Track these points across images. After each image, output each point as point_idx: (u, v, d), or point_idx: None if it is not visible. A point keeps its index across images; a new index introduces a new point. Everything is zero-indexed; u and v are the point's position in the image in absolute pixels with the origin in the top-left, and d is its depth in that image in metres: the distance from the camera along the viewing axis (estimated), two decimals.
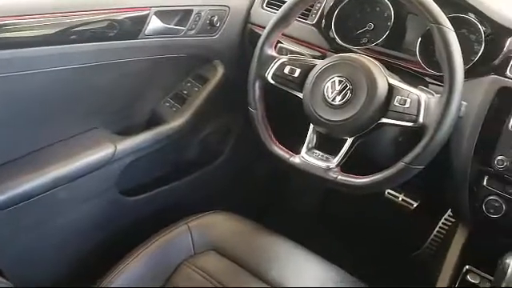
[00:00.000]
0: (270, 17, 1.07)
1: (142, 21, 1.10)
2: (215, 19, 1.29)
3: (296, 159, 1.01)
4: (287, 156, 1.02)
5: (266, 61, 1.05)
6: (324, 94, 0.96)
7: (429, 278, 1.14)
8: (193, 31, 1.25)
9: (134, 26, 1.10)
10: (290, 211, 1.78)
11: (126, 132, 1.28)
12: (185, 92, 1.39)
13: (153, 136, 1.27)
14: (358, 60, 0.96)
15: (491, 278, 0.96)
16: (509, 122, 0.95)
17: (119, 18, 1.06)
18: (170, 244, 1.10)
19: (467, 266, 1.07)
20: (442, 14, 0.88)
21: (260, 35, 1.06)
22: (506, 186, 0.97)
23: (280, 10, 1.04)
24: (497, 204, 0.98)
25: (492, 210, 0.98)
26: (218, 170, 1.56)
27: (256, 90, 1.06)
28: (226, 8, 1.32)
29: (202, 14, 1.25)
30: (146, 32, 1.12)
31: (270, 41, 1.05)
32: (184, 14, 1.22)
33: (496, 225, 0.99)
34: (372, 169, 0.94)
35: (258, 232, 1.15)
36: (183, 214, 1.18)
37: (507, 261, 0.89)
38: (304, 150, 1.01)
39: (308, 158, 1.00)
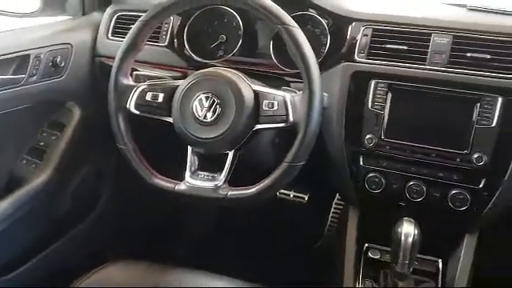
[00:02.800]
0: (118, 46, 1.00)
1: None
2: (58, 59, 1.19)
3: (181, 186, 0.97)
4: (171, 185, 0.97)
5: (124, 91, 0.98)
6: (194, 114, 0.93)
7: (335, 264, 1.17)
8: (35, 77, 1.14)
9: None
10: (187, 237, 1.72)
11: None
12: (42, 144, 1.26)
13: (15, 201, 1.12)
14: (220, 73, 0.95)
15: (389, 249, 1.02)
16: (368, 102, 1.01)
17: None
18: None
19: (366, 244, 1.13)
20: (286, 14, 0.91)
21: (111, 67, 1.00)
22: (380, 160, 1.04)
23: (127, 37, 0.99)
24: (376, 179, 1.04)
25: (374, 186, 1.04)
26: (99, 218, 1.44)
27: (120, 124, 0.99)
28: (68, 46, 1.23)
29: (42, 56, 1.14)
30: None
31: (123, 70, 0.99)
32: (21, 61, 1.11)
33: (381, 199, 1.05)
34: (260, 176, 0.94)
35: (157, 274, 1.07)
36: (73, 276, 1.05)
37: (399, 229, 0.95)
38: (188, 174, 0.97)
39: (193, 181, 0.96)
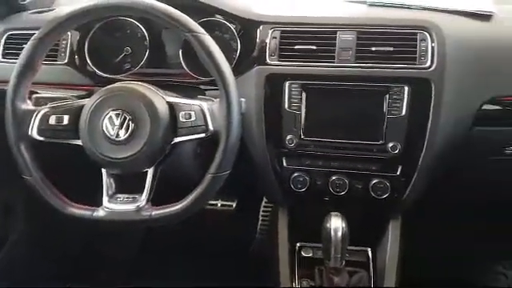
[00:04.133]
0: (12, 68, 0.91)
1: None
2: None
3: (99, 212, 0.90)
4: (88, 212, 0.90)
5: (24, 118, 0.90)
6: (105, 133, 0.87)
7: (270, 268, 1.17)
8: None
9: None
10: (110, 261, 1.62)
11: None
12: None
13: None
14: (129, 87, 0.90)
15: (321, 245, 1.03)
16: (284, 103, 1.02)
17: None
18: None
19: (298, 244, 1.14)
20: (192, 21, 0.88)
21: (5, 91, 0.90)
22: (303, 159, 1.05)
23: (20, 57, 0.90)
24: (301, 178, 1.05)
25: (299, 185, 1.05)
26: (12, 259, 1.31)
27: (23, 153, 0.90)
28: None
29: None
30: None
31: (20, 94, 0.90)
32: None
33: (307, 197, 1.06)
34: (185, 190, 0.90)
35: None
36: None
37: (327, 225, 0.96)
38: (105, 199, 0.91)
39: (112, 205, 0.90)
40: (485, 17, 1.07)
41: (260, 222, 1.48)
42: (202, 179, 0.88)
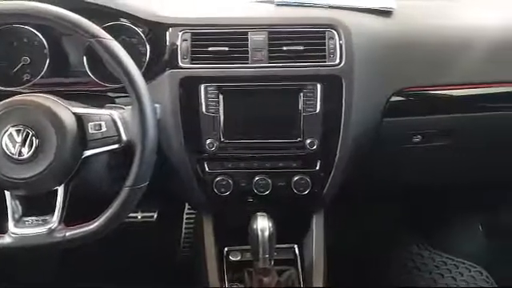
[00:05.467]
0: None
1: None
2: None
3: (6, 239, 0.82)
4: None
5: None
6: (5, 152, 0.80)
7: (198, 275, 1.14)
8: None
9: None
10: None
11: None
12: None
13: None
14: (29, 100, 0.83)
15: (249, 247, 1.02)
16: (201, 107, 0.99)
17: None
18: None
19: (226, 248, 1.12)
20: (96, 26, 0.83)
21: None
22: (225, 162, 1.03)
23: None
24: (224, 182, 1.03)
25: (223, 189, 1.03)
26: None
27: None
28: None
29: None
30: None
31: None
32: None
33: (232, 200, 1.05)
34: (102, 205, 0.85)
35: None
36: None
37: (254, 226, 0.96)
38: (11, 223, 0.83)
39: (20, 230, 0.83)
40: (386, 13, 1.13)
41: (184, 231, 1.45)
42: (119, 193, 0.83)
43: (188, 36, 1.01)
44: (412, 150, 1.18)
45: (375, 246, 1.70)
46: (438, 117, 1.14)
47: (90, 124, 0.83)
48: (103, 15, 1.00)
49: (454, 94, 1.12)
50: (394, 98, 1.08)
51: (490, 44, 1.13)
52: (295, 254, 1.13)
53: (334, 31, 1.02)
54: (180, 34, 1.01)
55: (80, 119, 0.83)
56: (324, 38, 1.02)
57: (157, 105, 0.88)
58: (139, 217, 1.34)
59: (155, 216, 1.36)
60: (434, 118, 1.14)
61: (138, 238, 1.47)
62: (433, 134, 1.17)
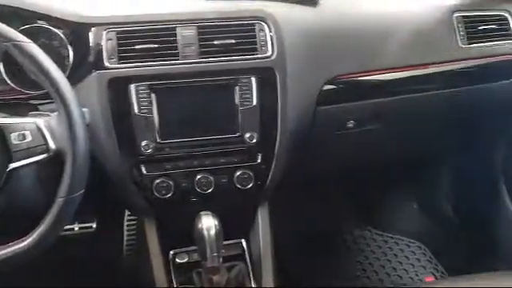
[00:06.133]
0: None
1: None
2: None
3: None
4: None
5: None
6: None
7: (146, 281, 1.10)
8: None
9: None
10: None
11: None
12: None
13: None
14: None
15: (196, 247, 1.00)
16: (133, 108, 0.96)
17: None
18: None
19: (172, 251, 1.09)
20: (11, 29, 0.78)
21: None
22: (163, 164, 1.00)
23: None
24: (165, 184, 1.00)
25: (164, 191, 1.00)
26: None
27: None
28: None
29: None
30: None
31: None
32: None
33: (174, 201, 1.02)
34: (34, 220, 0.79)
35: None
36: None
37: (199, 226, 0.94)
38: None
39: None
40: (311, 3, 1.15)
41: (126, 238, 1.39)
42: (52, 205, 0.78)
43: (113, 35, 0.96)
44: (347, 135, 1.21)
45: (320, 231, 1.74)
46: (369, 102, 1.18)
47: (13, 134, 0.77)
48: (19, 18, 0.93)
49: (382, 79, 1.16)
50: (326, 87, 1.10)
51: (411, 29, 1.19)
52: (243, 249, 1.13)
53: (263, 23, 1.02)
54: (104, 33, 0.96)
55: (1, 130, 0.77)
56: (254, 31, 1.02)
57: (85, 109, 0.83)
58: (76, 228, 1.27)
59: (94, 225, 1.30)
60: (365, 103, 1.17)
61: (78, 250, 1.40)
62: (365, 119, 1.21)
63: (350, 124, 1.20)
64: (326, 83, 1.10)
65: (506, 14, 1.28)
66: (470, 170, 1.59)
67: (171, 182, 1.00)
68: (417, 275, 1.60)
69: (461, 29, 1.22)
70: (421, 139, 1.45)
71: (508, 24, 1.28)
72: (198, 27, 0.99)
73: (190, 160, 1.01)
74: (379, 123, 1.23)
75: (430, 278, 1.58)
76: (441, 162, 1.67)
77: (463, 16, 1.24)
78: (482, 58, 1.24)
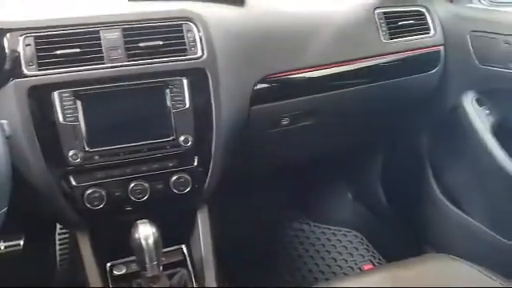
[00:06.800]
0: None
1: None
2: None
3: None
4: None
5: None
6: None
7: None
8: None
9: None
10: None
11: None
12: None
13: None
14: None
15: (131, 258, 0.96)
16: (58, 116, 0.91)
17: None
18: None
19: (109, 264, 1.05)
20: None
21: None
22: (94, 173, 0.96)
23: None
24: (97, 194, 0.96)
25: (96, 202, 0.96)
26: None
27: None
28: None
29: None
30: None
31: None
32: None
33: (108, 211, 0.98)
34: None
35: None
36: None
37: (136, 235, 0.90)
38: None
39: None
40: (239, 2, 1.15)
41: (59, 252, 1.32)
42: None
43: (31, 40, 0.90)
44: (282, 132, 1.23)
45: (260, 228, 1.76)
46: (301, 99, 1.20)
47: None
48: None
49: (311, 76, 1.19)
50: (259, 86, 1.11)
51: (337, 27, 1.23)
52: (184, 255, 1.11)
53: (191, 24, 1.01)
54: (21, 38, 0.90)
55: None
56: (182, 32, 0.99)
57: (3, 121, 0.78)
58: (2, 247, 1.18)
59: (22, 243, 1.21)
60: (297, 100, 1.19)
61: (6, 271, 1.30)
62: (299, 116, 1.23)
63: (285, 121, 1.21)
64: (257, 82, 1.11)
65: (423, 10, 1.36)
66: (399, 157, 1.67)
67: (103, 192, 0.96)
68: (356, 264, 1.66)
69: (383, 25, 1.28)
70: (352, 131, 1.50)
71: (425, 19, 1.35)
72: (123, 29, 0.95)
73: (122, 168, 0.97)
74: (313, 119, 1.26)
75: (368, 266, 1.64)
76: (372, 151, 1.74)
77: (384, 12, 1.29)
78: (403, 51, 1.30)
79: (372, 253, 1.71)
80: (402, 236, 1.67)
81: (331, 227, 1.82)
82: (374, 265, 1.66)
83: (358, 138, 1.58)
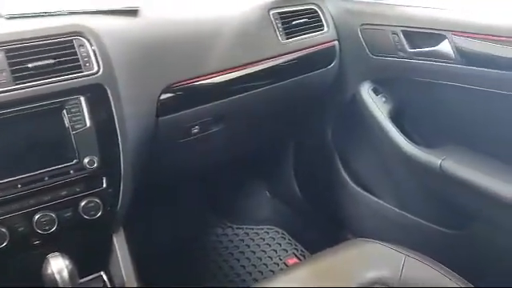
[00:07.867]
0: None
1: None
2: None
3: None
4: None
5: None
6: None
7: None
8: None
9: None
10: None
11: None
12: None
13: None
14: None
15: None
16: None
17: None
18: None
19: None
20: None
21: None
22: None
23: None
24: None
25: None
26: None
27: None
28: None
29: None
30: None
31: None
32: None
33: (12, 250, 0.89)
34: None
35: None
36: None
37: (48, 271, 0.85)
38: None
39: None
40: (132, 12, 1.11)
41: None
42: None
43: None
44: (194, 141, 1.21)
45: (183, 240, 1.72)
46: (208, 105, 1.19)
47: None
48: None
49: (214, 82, 1.18)
50: (164, 96, 1.08)
51: (234, 31, 1.23)
52: (104, 281, 1.05)
53: (82, 38, 0.94)
54: None
55: None
56: (74, 47, 0.93)
57: None
58: None
59: None
60: (204, 107, 1.18)
61: None
62: (208, 122, 1.22)
63: (195, 130, 1.20)
64: (162, 92, 1.08)
65: (315, 7, 1.41)
66: (308, 151, 1.73)
67: (4, 230, 0.87)
68: (280, 259, 1.69)
69: (279, 25, 1.30)
70: (261, 132, 1.52)
71: (318, 16, 1.40)
72: (6, 51, 0.87)
73: (23, 200, 0.89)
74: (222, 124, 1.26)
75: (293, 260, 1.68)
76: (283, 149, 1.78)
77: (279, 13, 1.32)
78: (300, 50, 1.34)
79: (295, 245, 1.75)
80: (321, 226, 1.74)
81: (253, 227, 1.83)
82: (297, 258, 1.70)
83: (267, 137, 1.61)
